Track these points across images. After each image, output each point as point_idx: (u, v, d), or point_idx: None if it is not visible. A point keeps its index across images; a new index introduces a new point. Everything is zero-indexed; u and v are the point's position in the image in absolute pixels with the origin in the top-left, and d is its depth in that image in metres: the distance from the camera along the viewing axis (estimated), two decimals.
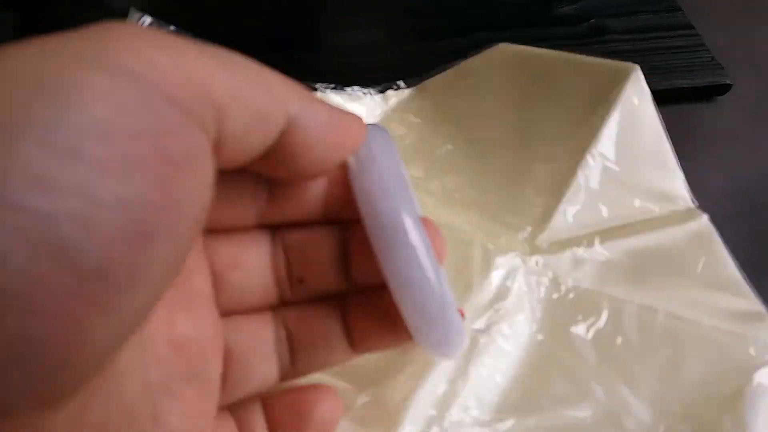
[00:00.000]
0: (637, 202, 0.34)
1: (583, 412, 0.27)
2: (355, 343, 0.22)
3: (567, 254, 0.32)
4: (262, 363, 0.22)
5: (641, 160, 0.35)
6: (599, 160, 0.34)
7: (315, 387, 0.23)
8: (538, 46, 0.39)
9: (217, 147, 0.15)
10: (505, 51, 0.39)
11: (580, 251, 0.32)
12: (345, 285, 0.22)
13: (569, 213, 0.33)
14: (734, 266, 0.32)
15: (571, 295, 0.31)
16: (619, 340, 0.29)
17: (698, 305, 0.30)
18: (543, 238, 0.32)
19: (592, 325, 0.30)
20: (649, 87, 0.36)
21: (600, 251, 0.32)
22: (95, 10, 0.45)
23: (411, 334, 0.20)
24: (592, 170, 0.34)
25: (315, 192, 0.21)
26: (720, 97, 0.43)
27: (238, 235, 0.21)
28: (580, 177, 0.33)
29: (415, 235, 0.19)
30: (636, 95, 0.35)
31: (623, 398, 0.27)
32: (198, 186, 0.14)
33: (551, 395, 0.28)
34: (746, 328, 0.29)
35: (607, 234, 0.33)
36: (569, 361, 0.29)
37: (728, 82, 0.42)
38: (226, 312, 0.21)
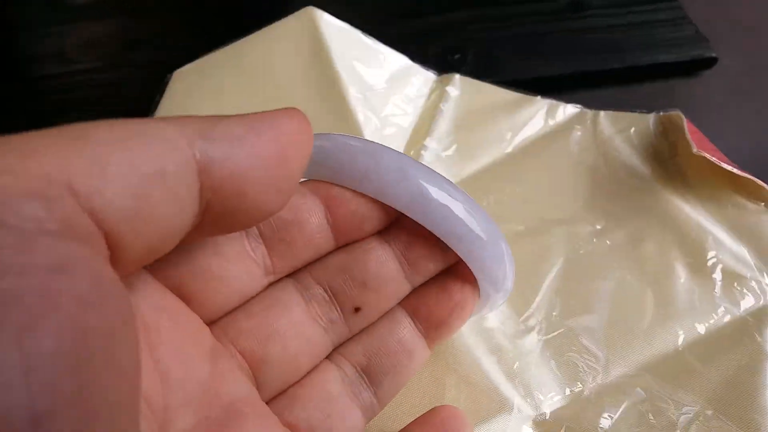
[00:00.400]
0: None
1: None
2: (429, 335, 0.21)
3: None
4: (344, 418, 0.20)
5: None
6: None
7: (434, 410, 0.21)
8: (519, 23, 0.37)
9: (117, 253, 0.12)
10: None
11: None
12: (406, 287, 0.21)
13: None
14: None
15: None
16: None
17: None
18: None
19: None
20: (632, 62, 0.34)
21: None
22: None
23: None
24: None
25: (316, 225, 0.19)
26: (706, 72, 0.41)
27: (260, 302, 0.19)
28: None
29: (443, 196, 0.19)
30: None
31: None
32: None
33: None
34: None
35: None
36: None
37: (714, 55, 0.40)
38: (281, 397, 0.19)
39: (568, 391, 0.28)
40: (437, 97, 0.38)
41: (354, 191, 0.19)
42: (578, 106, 0.37)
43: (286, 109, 0.15)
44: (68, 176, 0.11)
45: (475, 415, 0.27)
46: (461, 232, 0.19)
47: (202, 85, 0.36)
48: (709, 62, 0.41)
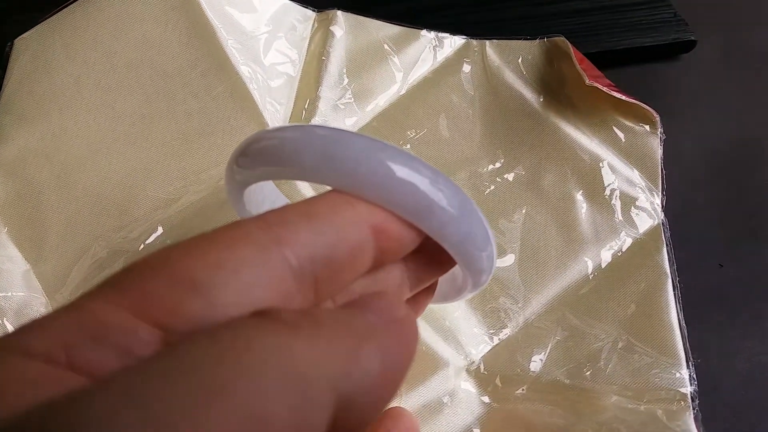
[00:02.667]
0: None
1: None
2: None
3: None
4: None
5: None
6: None
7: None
8: (490, 8, 0.37)
9: None
10: None
11: None
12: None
13: None
14: None
15: None
16: None
17: None
18: None
19: None
20: (609, 46, 0.35)
21: None
22: None
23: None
24: None
25: (366, 262, 0.17)
26: (685, 55, 0.40)
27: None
28: None
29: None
30: None
31: None
32: None
33: None
34: None
35: None
36: None
37: (693, 38, 0.39)
38: None
39: (496, 340, 0.29)
40: (321, 38, 0.35)
41: (401, 219, 0.17)
42: (464, 36, 0.36)
43: (401, 325, 0.14)
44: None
45: (414, 378, 0.27)
46: (428, 209, 0.17)
47: (51, 52, 0.31)
48: (688, 45, 0.39)
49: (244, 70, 0.33)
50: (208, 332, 0.12)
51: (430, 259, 0.20)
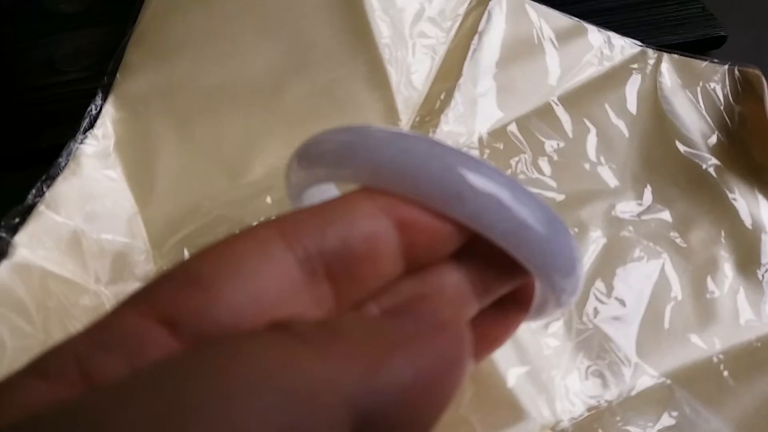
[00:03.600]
0: None
1: None
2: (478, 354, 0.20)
3: None
4: None
5: None
6: None
7: None
8: None
9: None
10: None
11: None
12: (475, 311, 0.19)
13: None
14: None
15: None
16: None
17: None
18: None
19: None
20: None
21: None
22: None
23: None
24: None
25: (390, 256, 0.16)
26: (715, 51, 0.37)
27: None
28: None
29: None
30: None
31: None
32: None
33: None
34: None
35: None
36: None
37: (722, 33, 0.37)
38: None
39: (593, 402, 0.27)
40: (476, 18, 0.31)
41: (430, 212, 0.16)
42: (638, 42, 0.32)
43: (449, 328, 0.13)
44: None
45: (485, 421, 0.26)
46: (510, 227, 0.15)
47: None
48: (718, 41, 0.37)
49: (385, 46, 0.30)
50: (216, 342, 0.11)
51: (494, 263, 0.17)
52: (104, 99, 0.29)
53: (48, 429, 0.10)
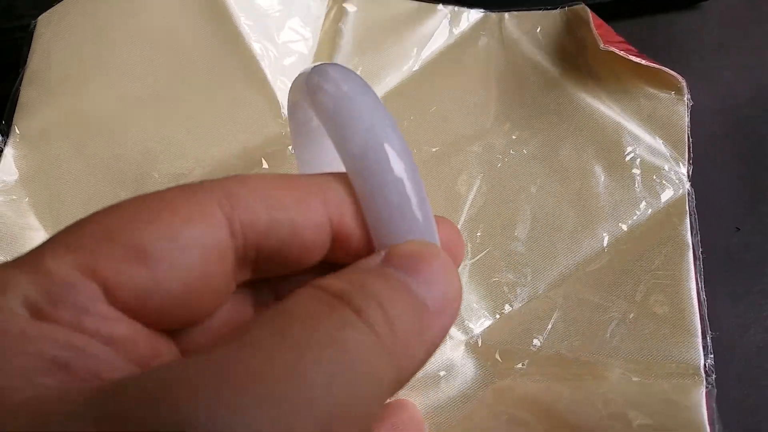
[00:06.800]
0: None
1: None
2: None
3: None
4: None
5: None
6: None
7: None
8: None
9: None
10: None
11: None
12: None
13: None
14: None
15: None
16: None
17: None
18: None
19: None
20: None
21: None
22: None
23: None
24: None
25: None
26: (704, 3, 0.37)
27: None
28: None
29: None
30: None
31: None
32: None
33: None
34: None
35: None
36: None
37: None
38: None
39: (497, 315, 0.28)
40: (335, 16, 0.35)
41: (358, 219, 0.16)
42: (482, 10, 0.35)
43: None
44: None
45: None
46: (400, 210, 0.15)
47: (73, 30, 0.32)
48: None
49: (257, 47, 0.33)
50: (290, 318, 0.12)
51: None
52: (4, 142, 0.31)
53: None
